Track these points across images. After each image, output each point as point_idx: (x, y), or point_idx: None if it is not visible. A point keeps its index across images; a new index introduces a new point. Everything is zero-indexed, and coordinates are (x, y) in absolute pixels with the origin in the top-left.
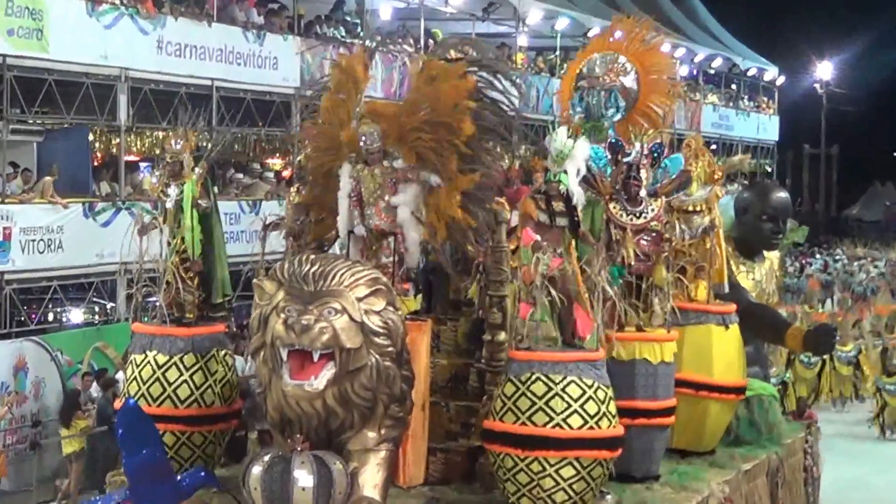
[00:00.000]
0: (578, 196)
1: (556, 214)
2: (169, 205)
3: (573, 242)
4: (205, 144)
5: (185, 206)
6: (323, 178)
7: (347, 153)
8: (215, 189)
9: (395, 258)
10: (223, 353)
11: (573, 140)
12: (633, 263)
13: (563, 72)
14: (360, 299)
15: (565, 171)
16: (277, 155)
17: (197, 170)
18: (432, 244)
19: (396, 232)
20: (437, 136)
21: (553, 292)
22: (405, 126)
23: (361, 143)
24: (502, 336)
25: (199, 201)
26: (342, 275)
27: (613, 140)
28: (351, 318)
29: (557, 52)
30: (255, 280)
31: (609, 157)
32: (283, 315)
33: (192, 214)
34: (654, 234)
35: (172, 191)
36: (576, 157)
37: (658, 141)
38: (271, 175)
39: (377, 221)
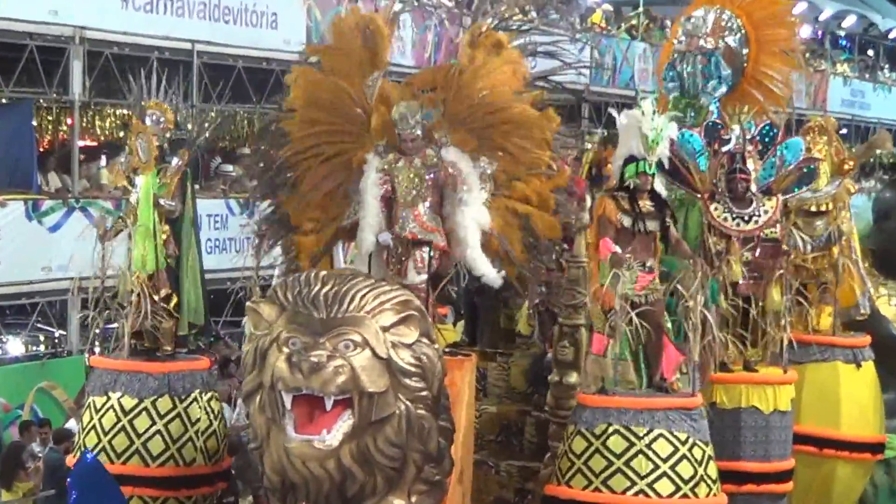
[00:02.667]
0: (664, 189)
1: (643, 217)
2: (133, 199)
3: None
4: (182, 126)
5: (140, 204)
6: (322, 174)
7: (374, 140)
8: (196, 186)
9: (428, 273)
10: (208, 396)
11: (662, 119)
12: (738, 282)
13: (653, 35)
14: (385, 329)
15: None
16: None
17: (175, 161)
18: (507, 262)
19: (436, 243)
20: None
21: (636, 320)
22: (462, 103)
23: (399, 128)
24: (574, 377)
25: (162, 200)
26: (363, 297)
27: (710, 123)
28: (374, 354)
29: (640, 9)
30: (248, 303)
31: (705, 143)
32: (286, 349)
33: (150, 215)
34: (766, 244)
35: (138, 182)
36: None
37: (768, 121)
38: None
39: (414, 228)
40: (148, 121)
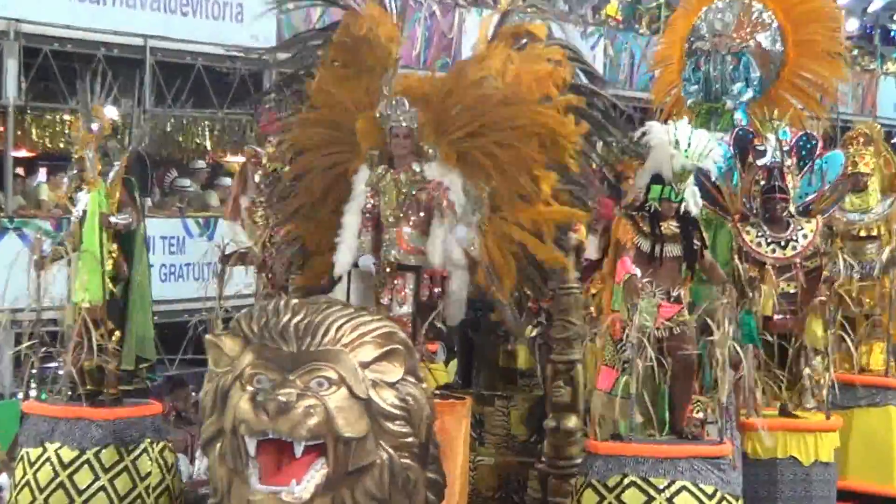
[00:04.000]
0: (696, 206)
1: (664, 240)
2: (75, 220)
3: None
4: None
5: (87, 224)
6: (320, 188)
7: (365, 149)
8: (147, 201)
9: (414, 304)
10: (160, 446)
11: (702, 138)
12: (774, 316)
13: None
14: (365, 365)
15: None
16: (243, 150)
17: (113, 168)
18: (496, 293)
19: (425, 269)
20: (520, 136)
21: (651, 351)
22: (448, 112)
23: (390, 122)
24: (573, 421)
25: (113, 217)
26: (340, 328)
27: (741, 130)
28: (351, 393)
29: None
30: (208, 336)
31: (735, 155)
32: (250, 388)
33: (98, 237)
34: (806, 273)
35: (81, 201)
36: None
37: (806, 131)
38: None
39: (397, 253)
40: (84, 129)
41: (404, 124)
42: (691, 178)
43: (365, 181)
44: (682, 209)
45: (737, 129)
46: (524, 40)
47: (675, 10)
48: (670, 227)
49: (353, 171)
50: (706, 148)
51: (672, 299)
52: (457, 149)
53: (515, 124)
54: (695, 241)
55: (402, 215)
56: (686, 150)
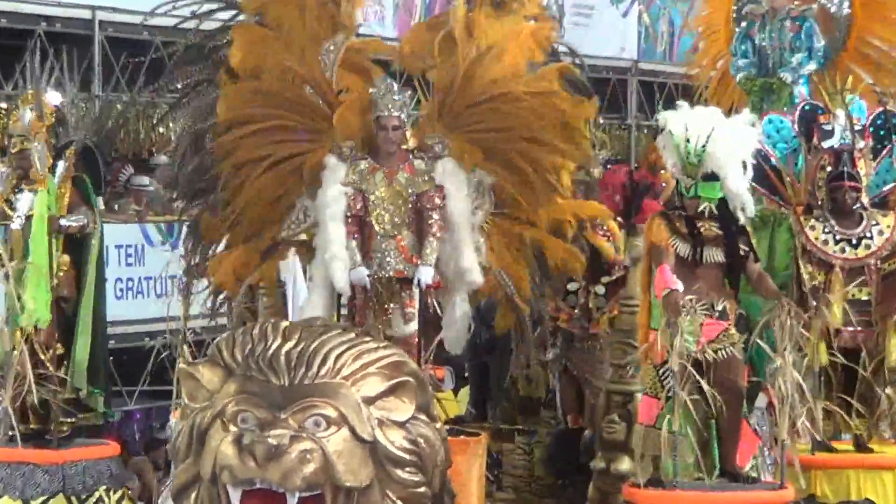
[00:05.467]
0: (747, 206)
1: (705, 243)
2: (16, 226)
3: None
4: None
5: (34, 231)
6: (263, 184)
7: (337, 138)
8: (99, 202)
9: (420, 324)
10: (117, 495)
11: (701, 119)
12: (843, 328)
13: None
14: (370, 401)
15: (710, 178)
16: None
17: (60, 165)
18: (513, 302)
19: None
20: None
21: (698, 379)
22: (463, 92)
23: (378, 110)
24: (626, 464)
25: (64, 220)
26: (339, 356)
27: (807, 105)
28: (354, 435)
29: None
30: (182, 366)
31: (798, 135)
32: (234, 428)
33: (45, 245)
34: (883, 276)
35: (23, 203)
36: (735, 146)
37: (882, 109)
38: None
39: (398, 264)
40: (27, 116)
41: (395, 113)
42: (716, 162)
43: (340, 179)
44: (708, 208)
45: (802, 104)
46: None
47: None
48: (711, 227)
49: (315, 162)
50: (705, 131)
51: (717, 314)
52: (469, 141)
53: (529, 109)
54: (741, 246)
55: (400, 221)
56: (687, 137)
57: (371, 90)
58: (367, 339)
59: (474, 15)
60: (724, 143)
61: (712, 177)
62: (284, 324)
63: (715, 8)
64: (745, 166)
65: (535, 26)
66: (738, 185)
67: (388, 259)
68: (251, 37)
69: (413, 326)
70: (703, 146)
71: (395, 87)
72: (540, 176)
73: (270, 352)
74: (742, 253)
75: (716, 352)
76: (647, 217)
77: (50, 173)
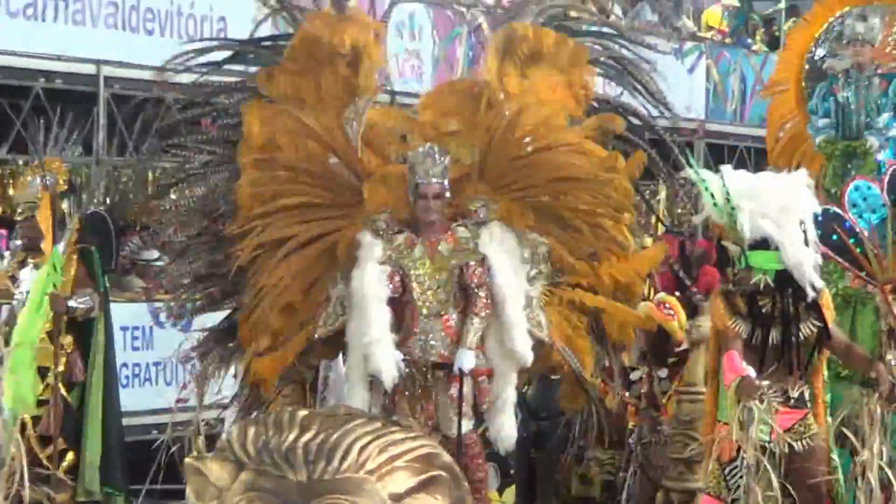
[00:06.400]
0: (815, 280)
1: (769, 322)
2: (18, 306)
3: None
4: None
5: (28, 309)
6: (288, 271)
7: (369, 211)
8: (105, 281)
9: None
10: None
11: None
12: None
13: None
14: (397, 497)
15: (760, 246)
16: None
17: (66, 235)
18: (581, 380)
19: (478, 368)
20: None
21: (774, 478)
22: (502, 150)
23: (418, 177)
24: None
25: (72, 301)
26: (364, 448)
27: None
28: None
29: (783, 2)
30: (188, 460)
31: (887, 204)
32: None
33: (34, 327)
34: None
35: (27, 279)
36: (786, 208)
37: None
38: None
39: (443, 348)
40: (34, 185)
41: (435, 181)
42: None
43: (377, 257)
44: (764, 281)
45: (892, 169)
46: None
47: (798, 23)
48: (767, 304)
49: (348, 243)
50: (739, 193)
51: (793, 402)
52: (515, 205)
53: (561, 164)
54: (812, 322)
55: (446, 298)
56: (716, 198)
57: (409, 153)
58: (395, 428)
59: (507, 67)
60: (770, 204)
61: (763, 244)
62: (302, 412)
63: (786, 63)
64: (805, 233)
65: (569, 78)
66: (798, 255)
67: (431, 342)
68: (265, 111)
69: (467, 424)
70: (733, 206)
71: (437, 150)
72: (596, 233)
73: (286, 444)
74: (811, 330)
75: (793, 443)
76: (706, 283)
77: (57, 245)
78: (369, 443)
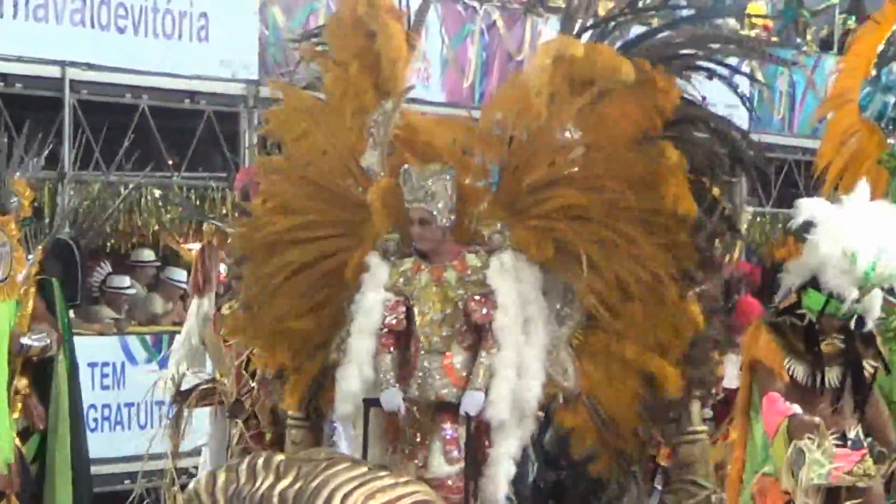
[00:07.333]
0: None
1: (827, 362)
2: None
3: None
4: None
5: None
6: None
7: (378, 230)
8: (68, 314)
9: (468, 460)
10: None
11: None
12: None
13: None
14: None
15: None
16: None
17: (26, 268)
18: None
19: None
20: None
21: None
22: (519, 181)
23: (406, 198)
24: None
25: (25, 339)
26: (346, 496)
27: None
28: None
29: (838, 10)
30: None
31: None
32: None
33: (3, 374)
34: None
35: None
36: None
37: None
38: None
39: (442, 388)
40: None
41: (416, 205)
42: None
43: (383, 284)
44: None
45: None
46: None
47: (867, 24)
48: (834, 342)
49: (357, 263)
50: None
51: (851, 443)
52: (537, 233)
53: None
54: (869, 363)
55: (450, 334)
56: (868, 264)
57: (405, 177)
58: (383, 473)
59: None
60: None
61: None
62: (278, 457)
63: (851, 72)
64: None
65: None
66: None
67: (429, 380)
68: (295, 108)
69: (456, 467)
70: (873, 265)
71: (413, 173)
72: (637, 274)
73: (260, 492)
74: (872, 369)
75: (849, 487)
76: (744, 315)
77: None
78: (353, 489)
